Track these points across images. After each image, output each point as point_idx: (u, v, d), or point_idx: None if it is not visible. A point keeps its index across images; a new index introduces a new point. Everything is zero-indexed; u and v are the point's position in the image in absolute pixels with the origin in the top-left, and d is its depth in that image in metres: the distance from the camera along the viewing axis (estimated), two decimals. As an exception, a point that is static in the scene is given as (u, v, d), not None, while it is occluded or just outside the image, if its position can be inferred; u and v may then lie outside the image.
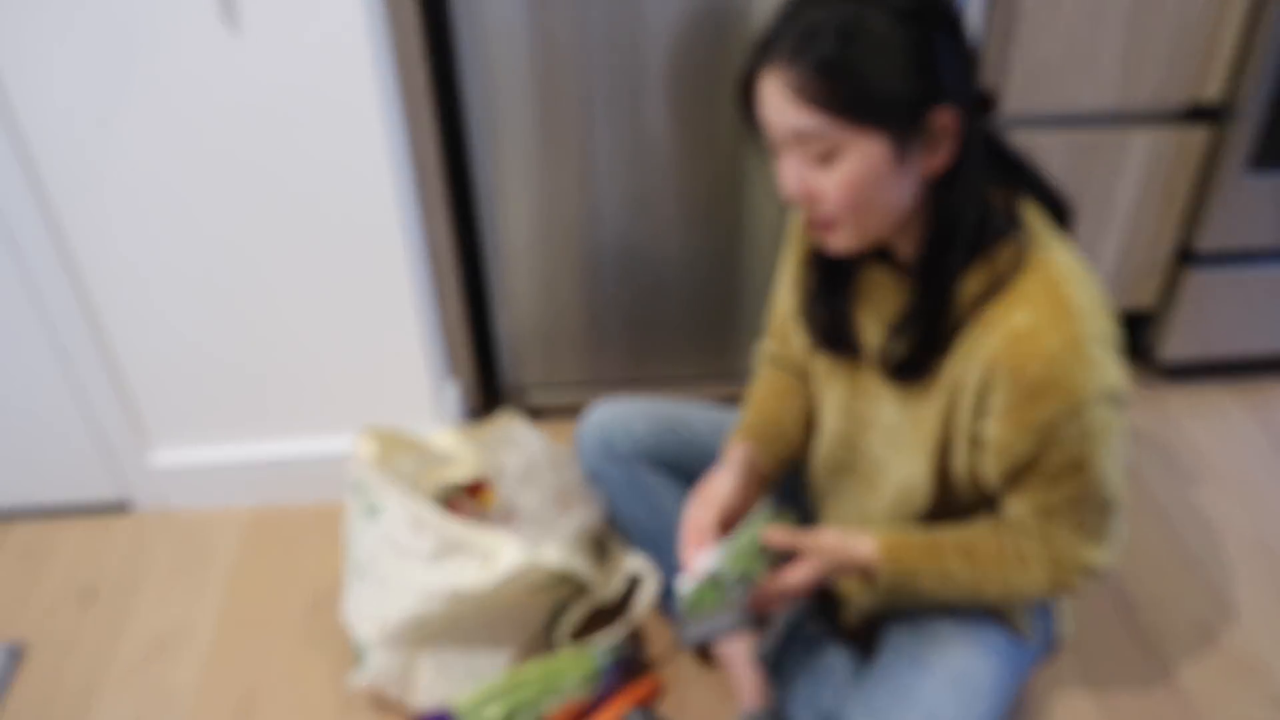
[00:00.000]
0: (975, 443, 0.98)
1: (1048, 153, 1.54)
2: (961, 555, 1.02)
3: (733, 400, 1.52)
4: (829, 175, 0.87)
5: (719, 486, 1.06)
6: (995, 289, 0.91)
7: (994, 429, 0.94)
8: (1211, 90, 1.51)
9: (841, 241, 0.93)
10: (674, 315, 1.65)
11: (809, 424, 1.19)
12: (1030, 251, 0.91)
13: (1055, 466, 0.93)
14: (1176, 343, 1.75)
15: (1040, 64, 1.45)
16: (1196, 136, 1.55)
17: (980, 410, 0.95)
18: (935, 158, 0.87)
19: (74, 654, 1.36)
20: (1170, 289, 1.72)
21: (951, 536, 1.03)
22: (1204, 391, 1.81)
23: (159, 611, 1.42)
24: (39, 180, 1.28)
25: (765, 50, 0.86)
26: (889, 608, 1.12)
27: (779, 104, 0.86)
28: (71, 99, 1.22)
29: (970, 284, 0.92)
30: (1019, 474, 0.96)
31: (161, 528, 1.57)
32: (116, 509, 1.60)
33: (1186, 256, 1.68)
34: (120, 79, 1.21)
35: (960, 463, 1.01)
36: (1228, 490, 1.60)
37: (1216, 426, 1.73)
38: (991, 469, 0.97)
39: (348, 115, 1.26)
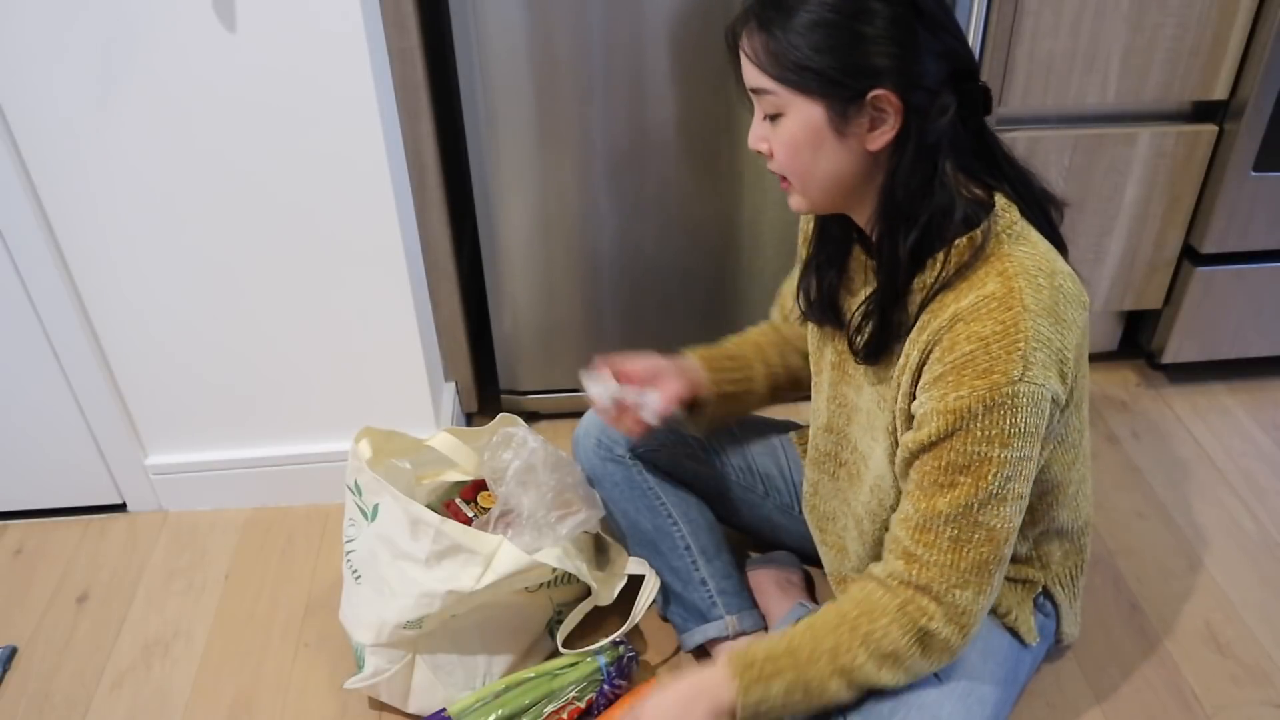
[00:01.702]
0: (908, 422, 0.96)
1: (1052, 152, 1.53)
2: (808, 627, 0.98)
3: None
4: (774, 133, 0.92)
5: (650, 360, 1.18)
6: (952, 278, 0.91)
7: (918, 402, 0.93)
8: (1217, 90, 1.50)
9: (794, 201, 0.98)
10: (673, 318, 1.64)
11: (784, 380, 1.25)
12: (992, 245, 0.91)
13: (955, 462, 0.90)
14: (1180, 342, 1.75)
15: (1043, 62, 1.45)
16: (1202, 136, 1.54)
17: (913, 388, 0.94)
18: (879, 135, 0.89)
19: (69, 656, 1.36)
20: (1174, 288, 1.71)
21: (791, 629, 1.00)
22: (1207, 391, 1.81)
23: (155, 614, 1.42)
24: (31, 181, 1.27)
25: (741, 12, 0.92)
26: None
27: (745, 62, 0.92)
28: (64, 98, 1.21)
29: (928, 273, 0.92)
30: (920, 461, 0.93)
31: (158, 530, 1.56)
32: (113, 511, 1.59)
33: (1191, 256, 1.67)
34: (114, 79, 1.20)
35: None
36: (1230, 490, 1.59)
37: (1220, 426, 1.72)
38: (902, 445, 0.95)
39: (345, 115, 1.25)
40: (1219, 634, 1.35)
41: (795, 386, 1.26)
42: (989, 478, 0.89)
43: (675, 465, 1.29)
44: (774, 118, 0.92)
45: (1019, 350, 0.86)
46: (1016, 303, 0.87)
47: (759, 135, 0.95)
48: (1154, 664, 1.31)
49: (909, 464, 0.95)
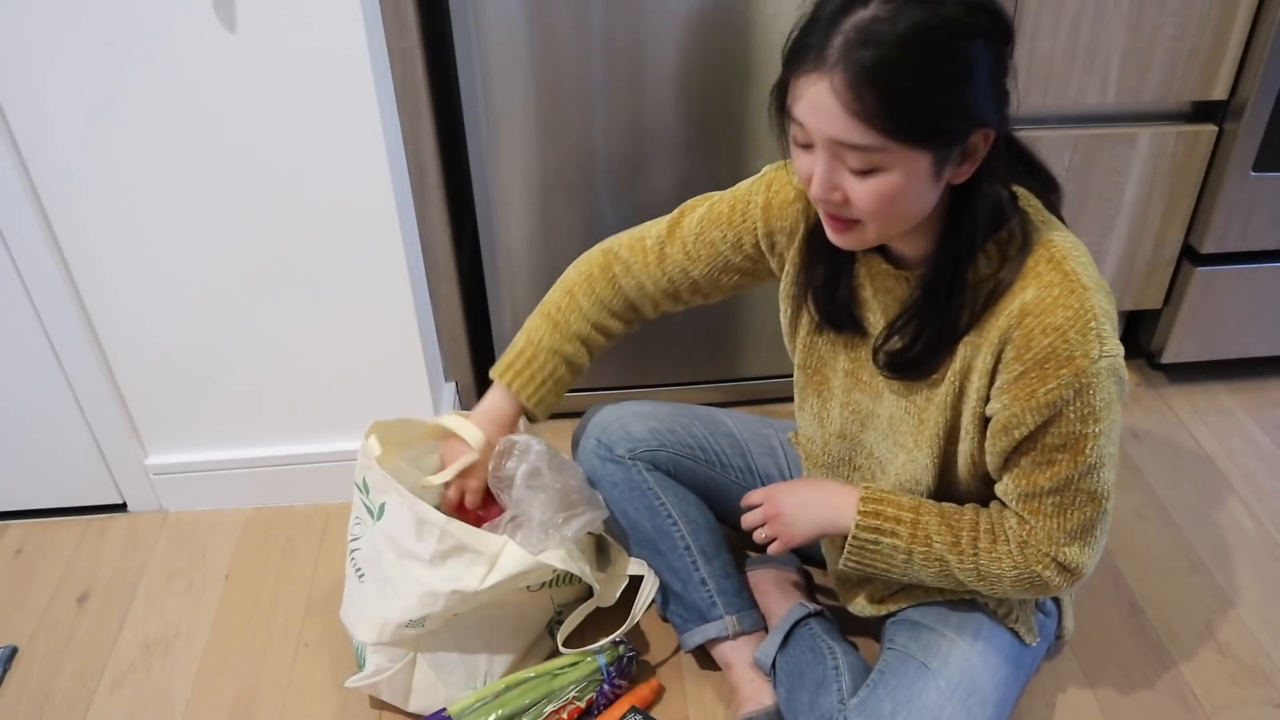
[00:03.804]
0: (983, 424, 0.97)
1: (1052, 152, 1.53)
2: (939, 515, 1.02)
3: (735, 406, 1.51)
4: (863, 183, 0.84)
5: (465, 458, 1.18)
6: (1005, 278, 0.91)
7: (1000, 404, 0.93)
8: (1217, 90, 1.50)
9: (855, 241, 0.92)
10: (674, 320, 1.63)
11: (596, 352, 1.22)
12: (1032, 234, 0.91)
13: (1052, 444, 0.93)
14: (1180, 342, 1.75)
15: (1044, 63, 1.45)
16: (1201, 136, 1.54)
17: (992, 389, 0.94)
18: (968, 168, 0.86)
19: (69, 656, 1.35)
20: (1174, 288, 1.71)
21: (933, 502, 1.05)
22: (1207, 391, 1.81)
23: (155, 613, 1.42)
24: (31, 180, 1.27)
25: (807, 49, 0.81)
26: (868, 576, 1.13)
27: (825, 109, 0.81)
28: (65, 98, 1.21)
29: (969, 274, 0.92)
30: (1016, 450, 0.96)
31: (158, 530, 1.56)
32: (113, 511, 1.59)
33: (1191, 256, 1.67)
34: (115, 80, 1.20)
35: (965, 450, 1.00)
36: (1230, 490, 1.59)
37: (1220, 426, 1.72)
38: (992, 447, 0.97)
39: (344, 115, 1.25)
40: (1219, 634, 1.35)
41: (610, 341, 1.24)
42: (1086, 451, 0.92)
43: (675, 465, 1.29)
44: (864, 171, 0.84)
45: (1093, 330, 0.88)
46: (1078, 285, 0.88)
47: (831, 184, 0.86)
48: (1154, 664, 1.31)
49: (1003, 458, 0.97)
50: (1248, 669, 1.30)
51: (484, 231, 1.53)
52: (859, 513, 1.03)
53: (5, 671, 1.33)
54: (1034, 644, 1.13)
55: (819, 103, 0.81)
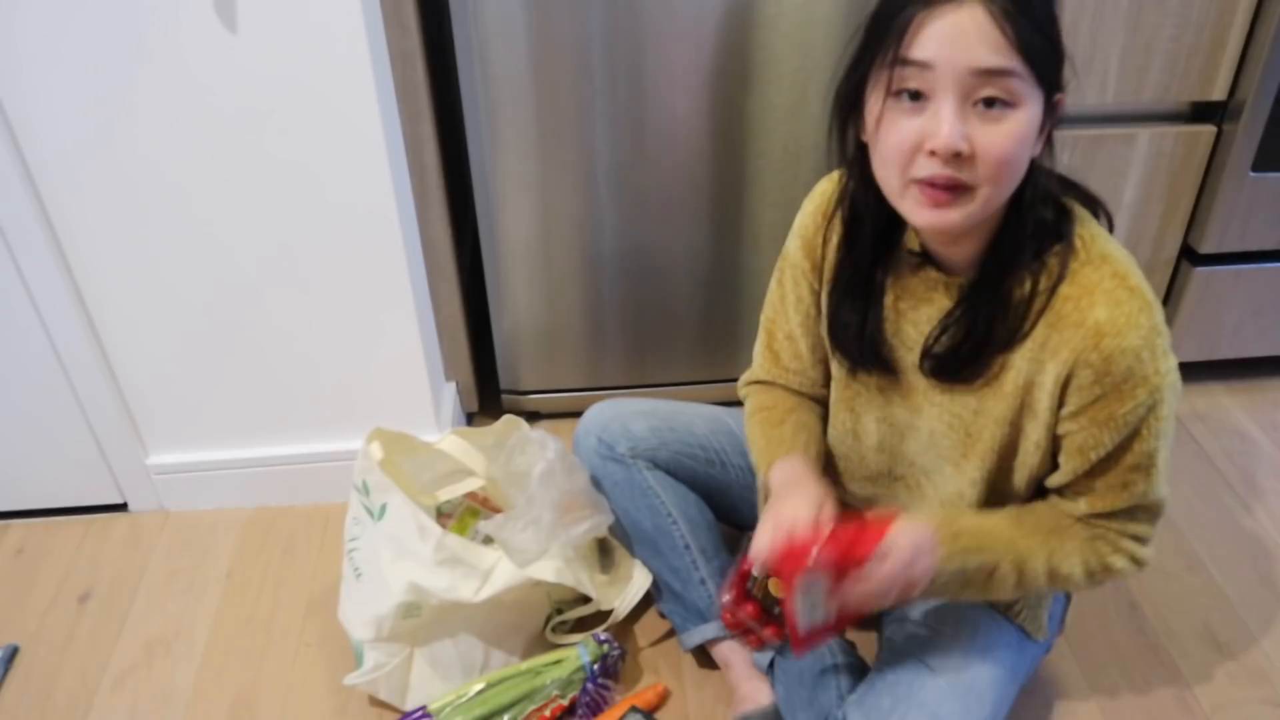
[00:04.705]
0: (1050, 443, 0.96)
1: (1049, 152, 1.53)
2: (1009, 517, 1.00)
3: (735, 405, 1.51)
4: (995, 128, 0.81)
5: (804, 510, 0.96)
6: (1055, 285, 0.90)
7: (1077, 426, 0.92)
8: (1216, 90, 1.50)
9: (959, 214, 0.85)
10: (675, 319, 1.64)
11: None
12: (1088, 246, 0.90)
13: (1129, 463, 0.93)
14: (1179, 342, 1.75)
15: (1042, 63, 1.45)
16: (1200, 137, 1.54)
17: (1061, 408, 0.93)
18: (1042, 140, 0.86)
19: (70, 655, 1.36)
20: (1173, 289, 1.71)
21: (999, 515, 1.01)
22: (1206, 391, 1.81)
23: (156, 613, 1.42)
24: (33, 180, 1.27)
25: None
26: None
27: (978, 36, 0.78)
28: (66, 97, 1.22)
29: (1026, 281, 0.91)
30: (1093, 471, 0.94)
31: (159, 529, 1.56)
32: (114, 511, 1.60)
33: (1190, 256, 1.67)
34: (115, 79, 1.21)
35: (1027, 466, 0.99)
36: (1230, 490, 1.59)
37: (1219, 426, 1.72)
38: (1065, 467, 0.96)
39: (346, 116, 1.25)
40: (1218, 634, 1.35)
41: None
42: (1157, 465, 0.94)
43: (675, 464, 1.29)
44: (996, 107, 0.80)
45: (1161, 348, 0.89)
46: (1145, 303, 0.88)
47: (960, 133, 0.80)
48: (1154, 663, 1.31)
49: (1073, 475, 0.96)
50: (1247, 669, 1.30)
51: (484, 232, 1.53)
52: (943, 545, 0.94)
53: (6, 671, 1.34)
54: (1042, 639, 1.13)
55: (965, 28, 0.78)
